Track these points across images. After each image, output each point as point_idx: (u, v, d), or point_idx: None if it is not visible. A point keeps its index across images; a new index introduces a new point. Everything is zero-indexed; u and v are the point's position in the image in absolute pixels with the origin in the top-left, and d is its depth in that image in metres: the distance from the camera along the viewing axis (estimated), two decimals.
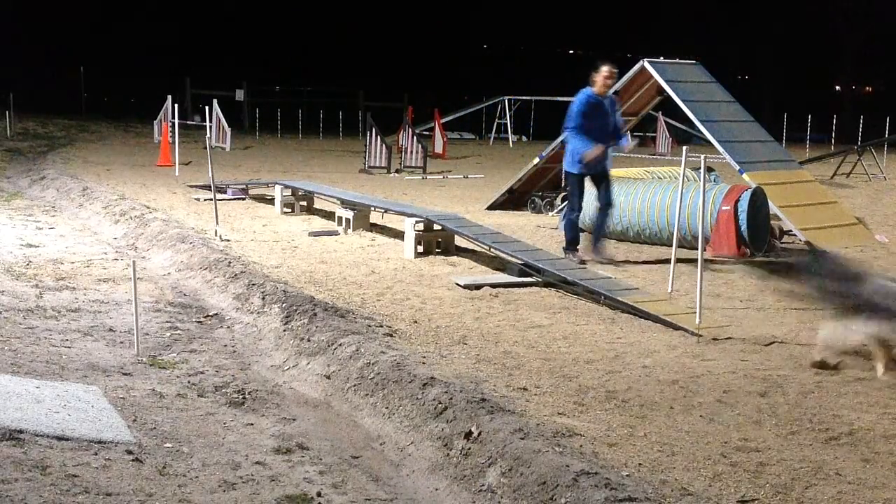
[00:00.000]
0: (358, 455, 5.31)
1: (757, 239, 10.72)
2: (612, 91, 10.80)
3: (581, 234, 12.46)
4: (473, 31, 47.73)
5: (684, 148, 9.10)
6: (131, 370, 6.48)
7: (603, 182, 10.37)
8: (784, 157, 13.50)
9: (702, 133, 13.03)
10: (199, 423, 5.55)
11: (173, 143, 18.58)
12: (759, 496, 4.33)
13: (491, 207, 14.68)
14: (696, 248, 7.39)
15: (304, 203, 13.93)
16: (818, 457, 4.78)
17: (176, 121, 17.41)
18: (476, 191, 17.20)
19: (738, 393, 5.80)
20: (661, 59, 13.79)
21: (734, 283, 9.21)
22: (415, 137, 22.02)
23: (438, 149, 25.78)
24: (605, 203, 10.39)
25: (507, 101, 33.08)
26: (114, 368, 6.48)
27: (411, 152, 21.76)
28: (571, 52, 53.52)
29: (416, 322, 7.48)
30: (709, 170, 10.29)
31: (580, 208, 10.37)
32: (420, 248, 10.43)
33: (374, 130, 21.58)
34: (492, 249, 9.96)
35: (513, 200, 14.84)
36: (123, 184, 16.57)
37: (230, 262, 9.40)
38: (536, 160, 14.69)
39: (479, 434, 5.01)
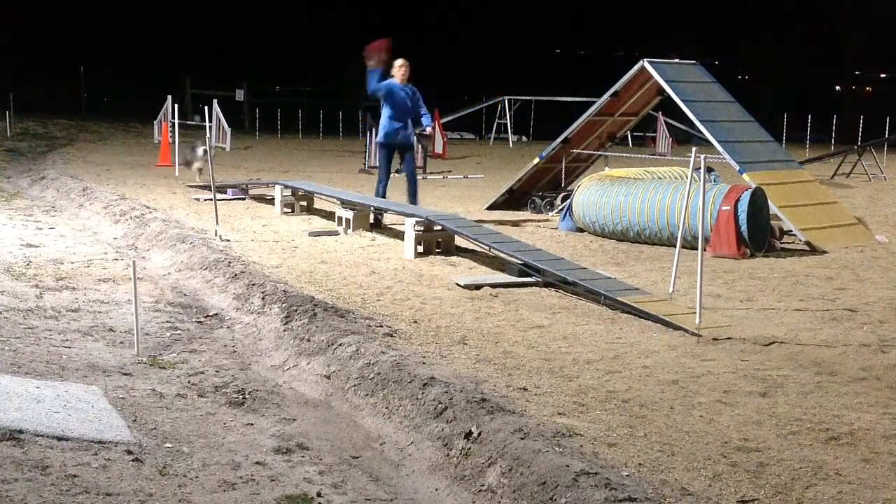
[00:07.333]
0: (358, 455, 5.31)
1: (757, 239, 10.73)
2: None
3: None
4: (474, 31, 47.75)
5: (694, 149, 9.06)
6: (131, 370, 6.48)
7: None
8: (784, 157, 13.48)
9: (702, 133, 13.03)
10: (199, 423, 5.55)
11: (173, 143, 18.59)
12: (759, 496, 4.32)
13: (491, 207, 14.67)
14: (696, 248, 7.39)
15: (304, 203, 13.93)
16: (818, 457, 4.78)
17: (176, 121, 17.40)
18: (476, 191, 17.20)
19: (738, 393, 5.80)
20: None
21: (734, 283, 9.20)
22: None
23: (438, 149, 25.76)
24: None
25: (507, 101, 33.04)
26: (114, 368, 6.48)
27: None
28: (582, 52, 53.56)
29: (416, 322, 7.48)
30: (709, 170, 10.29)
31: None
32: (420, 248, 10.43)
33: (374, 130, 21.56)
34: (492, 249, 9.96)
35: (513, 200, 14.84)
36: (123, 184, 16.57)
37: (230, 262, 9.40)
38: (536, 160, 14.70)
39: (479, 434, 5.01)
